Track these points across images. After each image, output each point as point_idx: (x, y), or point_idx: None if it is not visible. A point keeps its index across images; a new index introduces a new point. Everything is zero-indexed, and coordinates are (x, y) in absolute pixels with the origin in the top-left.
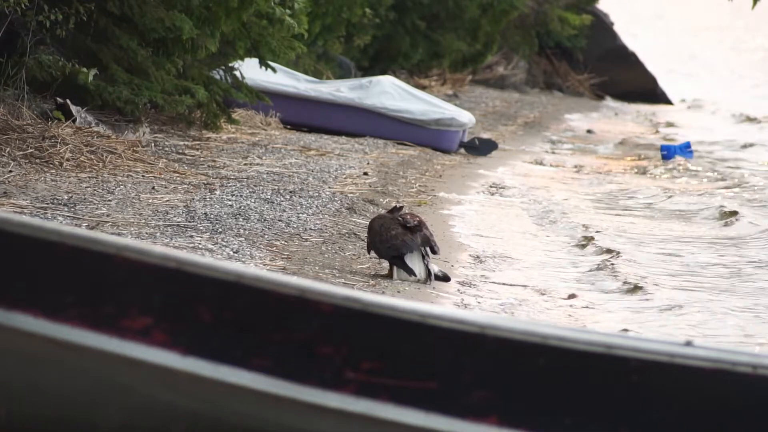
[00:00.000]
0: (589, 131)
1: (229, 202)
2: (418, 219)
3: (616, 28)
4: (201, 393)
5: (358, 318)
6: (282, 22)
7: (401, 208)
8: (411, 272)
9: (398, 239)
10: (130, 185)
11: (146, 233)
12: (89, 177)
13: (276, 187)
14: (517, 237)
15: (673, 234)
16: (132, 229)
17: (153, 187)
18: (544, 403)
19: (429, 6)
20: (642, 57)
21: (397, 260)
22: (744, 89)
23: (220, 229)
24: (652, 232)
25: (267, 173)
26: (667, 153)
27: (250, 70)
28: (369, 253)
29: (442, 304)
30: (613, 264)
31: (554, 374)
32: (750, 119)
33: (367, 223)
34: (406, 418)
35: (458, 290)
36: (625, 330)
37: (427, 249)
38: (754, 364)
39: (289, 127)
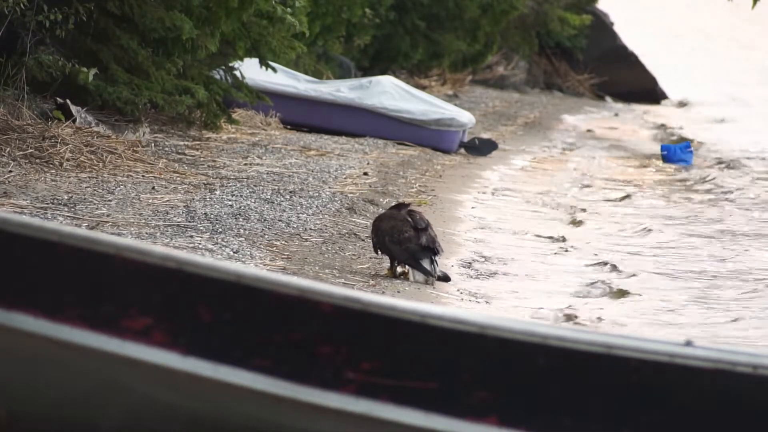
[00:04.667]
0: (589, 131)
1: (229, 202)
2: (426, 220)
3: (616, 28)
4: (201, 393)
5: (358, 318)
6: (283, 20)
7: (408, 204)
8: (428, 273)
9: (412, 242)
10: (130, 185)
11: (146, 233)
12: (89, 177)
13: (276, 187)
14: None
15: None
16: (132, 229)
17: (153, 187)
18: (544, 403)
19: (429, 6)
20: (642, 57)
21: (412, 262)
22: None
23: (220, 229)
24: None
25: (267, 173)
26: (668, 153)
27: (250, 70)
28: (376, 253)
29: (443, 304)
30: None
31: (554, 374)
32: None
33: (368, 223)
34: (406, 418)
35: (458, 290)
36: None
37: (435, 248)
38: (754, 364)
39: (289, 127)
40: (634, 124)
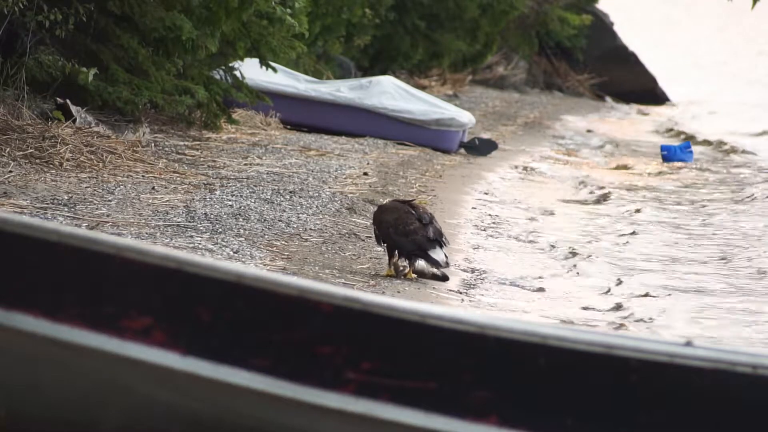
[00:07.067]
0: (589, 131)
1: (229, 203)
2: (429, 213)
3: (616, 28)
4: (201, 393)
5: (358, 318)
6: (282, 21)
7: (409, 201)
8: (437, 264)
9: (419, 234)
10: (130, 185)
11: (146, 233)
12: (89, 177)
13: (276, 188)
14: None
15: None
16: (132, 229)
17: (153, 187)
18: (544, 403)
19: (429, 6)
20: (642, 57)
21: (421, 253)
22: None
23: (220, 229)
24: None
25: (267, 173)
26: (668, 153)
27: (250, 70)
28: (379, 244)
29: (443, 304)
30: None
31: (554, 374)
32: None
33: (368, 223)
34: (406, 418)
35: (458, 290)
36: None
37: (441, 240)
38: (754, 364)
39: (289, 127)
40: (634, 124)
